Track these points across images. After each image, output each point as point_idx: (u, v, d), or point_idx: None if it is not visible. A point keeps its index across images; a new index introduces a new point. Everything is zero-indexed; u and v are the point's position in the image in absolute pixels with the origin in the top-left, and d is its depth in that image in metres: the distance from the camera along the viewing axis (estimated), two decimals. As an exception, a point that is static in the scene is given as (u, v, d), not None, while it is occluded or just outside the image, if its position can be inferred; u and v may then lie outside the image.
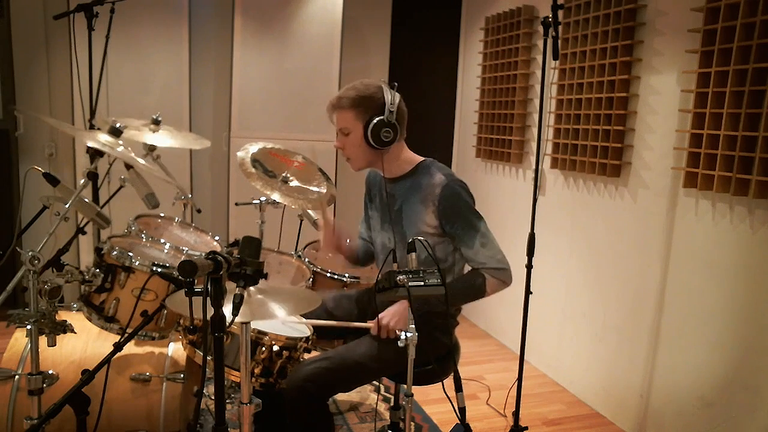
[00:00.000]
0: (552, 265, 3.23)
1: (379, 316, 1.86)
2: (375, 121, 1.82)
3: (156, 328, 2.02)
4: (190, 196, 2.78)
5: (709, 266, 2.35)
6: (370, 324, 1.88)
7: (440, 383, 1.86)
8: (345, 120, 1.86)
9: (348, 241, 2.11)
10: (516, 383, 2.56)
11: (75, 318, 2.00)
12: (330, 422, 1.84)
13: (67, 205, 1.77)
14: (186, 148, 3.74)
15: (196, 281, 1.25)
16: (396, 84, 1.89)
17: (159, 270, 1.89)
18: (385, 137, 1.83)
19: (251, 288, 1.49)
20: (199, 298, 1.28)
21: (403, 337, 1.57)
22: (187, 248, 2.18)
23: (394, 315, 1.86)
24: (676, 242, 2.51)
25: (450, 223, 1.86)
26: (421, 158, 1.98)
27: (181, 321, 1.86)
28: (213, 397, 1.58)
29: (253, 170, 2.44)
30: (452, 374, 1.64)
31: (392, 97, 1.85)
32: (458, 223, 1.85)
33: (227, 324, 1.31)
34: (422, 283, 1.55)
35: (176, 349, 2.11)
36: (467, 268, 1.94)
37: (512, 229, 3.62)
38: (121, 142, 1.90)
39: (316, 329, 1.96)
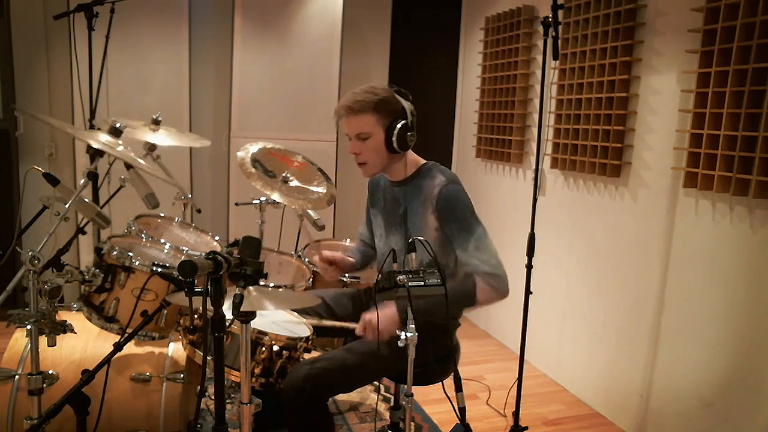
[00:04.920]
0: (552, 265, 3.23)
1: (366, 316, 1.77)
2: (399, 125, 1.83)
3: (156, 328, 2.02)
4: (190, 196, 2.78)
5: (709, 266, 2.35)
6: (354, 326, 1.82)
7: (440, 383, 1.86)
8: (364, 124, 1.84)
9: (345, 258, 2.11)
10: (516, 383, 2.56)
11: (75, 318, 2.00)
12: (330, 423, 1.84)
13: (67, 205, 1.77)
14: (186, 148, 3.74)
15: (196, 281, 1.25)
16: (404, 90, 1.90)
17: (159, 270, 1.89)
18: (410, 141, 1.86)
19: (251, 288, 1.49)
20: (199, 298, 1.28)
21: (403, 337, 1.56)
22: (187, 248, 2.18)
23: (386, 320, 1.75)
24: (676, 242, 2.51)
25: (447, 223, 1.84)
26: (424, 161, 1.98)
27: (181, 321, 1.86)
28: (213, 397, 1.58)
29: (253, 170, 2.44)
30: (452, 374, 1.64)
31: (407, 102, 1.87)
32: (454, 223, 1.83)
33: (227, 324, 1.31)
34: (422, 283, 1.55)
35: (176, 349, 2.11)
36: None
37: (512, 229, 3.62)
38: (121, 142, 1.90)
39: (316, 329, 1.96)
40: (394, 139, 1.83)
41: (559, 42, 2.46)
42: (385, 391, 3.00)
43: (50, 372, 1.92)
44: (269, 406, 1.74)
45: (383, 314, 1.76)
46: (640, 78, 2.68)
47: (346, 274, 2.42)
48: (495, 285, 1.78)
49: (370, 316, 1.76)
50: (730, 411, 2.26)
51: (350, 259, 2.13)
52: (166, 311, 1.99)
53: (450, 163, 4.43)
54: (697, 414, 2.39)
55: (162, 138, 2.43)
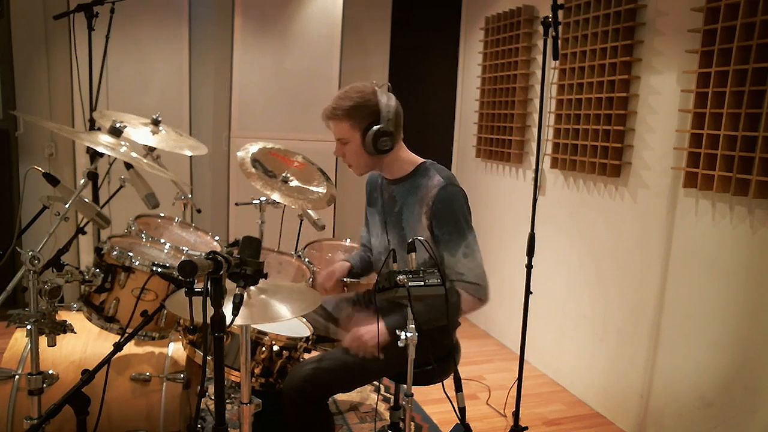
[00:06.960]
0: (552, 265, 3.23)
1: (358, 330, 1.80)
2: (373, 130, 1.81)
3: (156, 328, 2.02)
4: (190, 196, 2.77)
5: (709, 266, 2.35)
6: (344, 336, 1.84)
7: (440, 383, 1.86)
8: (342, 130, 1.86)
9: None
10: (516, 383, 2.56)
11: (75, 318, 2.00)
12: (330, 423, 1.84)
13: (67, 205, 1.77)
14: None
15: (196, 281, 1.25)
16: (390, 85, 1.88)
17: (159, 270, 1.88)
18: (383, 146, 1.83)
19: (251, 288, 1.49)
20: (199, 298, 1.28)
21: (403, 337, 1.56)
22: (187, 248, 2.18)
23: (369, 332, 1.78)
24: (676, 242, 2.51)
25: (439, 225, 1.82)
26: (422, 160, 1.96)
27: (181, 321, 1.86)
28: (213, 397, 1.58)
29: (253, 170, 2.44)
30: (452, 374, 1.64)
31: (387, 101, 1.83)
32: (447, 226, 1.81)
33: (227, 324, 1.31)
34: (422, 283, 1.54)
35: (176, 349, 2.11)
36: None
37: (512, 229, 3.62)
38: (121, 142, 1.90)
39: (316, 329, 1.96)
40: (369, 143, 1.82)
41: (559, 42, 2.46)
42: (385, 391, 3.00)
43: (50, 372, 1.92)
44: (269, 406, 1.74)
45: (369, 329, 1.78)
46: (640, 78, 2.68)
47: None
48: (478, 295, 1.80)
49: (357, 329, 1.80)
50: (730, 411, 2.26)
51: (346, 263, 2.13)
52: (166, 311, 1.99)
53: (450, 163, 4.43)
54: (697, 414, 2.39)
55: (160, 143, 2.42)
